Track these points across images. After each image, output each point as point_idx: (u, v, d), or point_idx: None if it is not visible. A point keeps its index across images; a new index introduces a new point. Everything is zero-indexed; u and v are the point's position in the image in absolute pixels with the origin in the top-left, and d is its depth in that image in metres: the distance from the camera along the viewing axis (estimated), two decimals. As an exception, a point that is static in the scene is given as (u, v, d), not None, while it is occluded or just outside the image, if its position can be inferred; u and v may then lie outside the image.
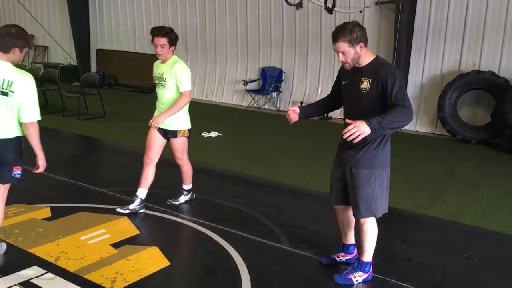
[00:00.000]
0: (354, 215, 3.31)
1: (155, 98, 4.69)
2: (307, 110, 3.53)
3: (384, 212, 3.26)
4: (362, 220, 3.23)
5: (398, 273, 3.53)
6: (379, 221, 3.33)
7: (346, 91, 3.27)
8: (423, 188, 5.78)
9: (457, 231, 4.55)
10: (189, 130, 4.81)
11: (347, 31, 3.00)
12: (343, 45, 3.01)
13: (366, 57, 3.11)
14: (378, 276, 3.45)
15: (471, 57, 8.91)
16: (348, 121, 2.94)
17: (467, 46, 8.93)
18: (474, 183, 6.07)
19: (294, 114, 3.43)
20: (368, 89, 3.06)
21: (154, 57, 4.46)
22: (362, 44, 3.03)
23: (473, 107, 9.05)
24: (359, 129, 2.81)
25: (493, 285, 3.49)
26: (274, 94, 11.36)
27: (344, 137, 2.87)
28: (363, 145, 3.12)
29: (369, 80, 3.06)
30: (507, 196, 5.58)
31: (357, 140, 2.85)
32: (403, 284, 3.37)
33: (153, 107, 4.65)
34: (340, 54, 3.06)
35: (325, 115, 10.50)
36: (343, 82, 3.29)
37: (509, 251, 4.17)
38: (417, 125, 9.65)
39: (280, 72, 11.32)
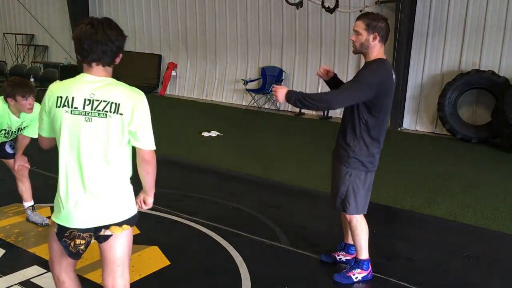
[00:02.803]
0: (331, 206, 3.39)
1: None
2: (335, 80, 3.48)
3: (359, 213, 3.27)
4: (349, 218, 3.29)
5: (398, 272, 3.53)
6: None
7: None
8: (423, 187, 5.78)
9: (457, 230, 4.55)
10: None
11: (372, 16, 3.11)
12: (361, 25, 3.08)
13: (374, 54, 3.12)
14: (378, 275, 3.45)
15: (471, 56, 8.91)
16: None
17: (467, 45, 8.93)
18: (474, 183, 6.07)
19: (324, 73, 3.42)
20: None
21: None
22: (376, 34, 3.06)
23: (473, 107, 9.06)
24: (277, 91, 3.08)
25: (493, 285, 3.49)
26: (274, 94, 11.35)
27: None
28: (345, 143, 3.21)
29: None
30: (507, 196, 5.57)
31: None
32: (403, 283, 3.37)
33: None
34: (354, 34, 3.12)
35: (325, 114, 10.51)
36: None
37: (509, 250, 4.16)
38: (417, 125, 9.66)
39: (280, 71, 11.33)
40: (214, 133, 8.28)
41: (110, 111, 2.10)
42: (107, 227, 2.22)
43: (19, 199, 4.32)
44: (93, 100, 2.11)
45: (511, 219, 4.83)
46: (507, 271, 3.72)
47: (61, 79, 2.42)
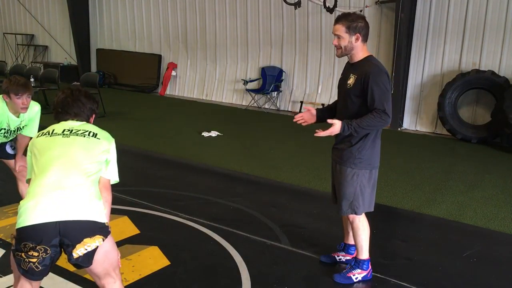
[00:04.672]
0: (337, 211, 3.33)
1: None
2: (324, 112, 3.44)
3: (367, 210, 3.26)
4: (351, 218, 3.26)
5: (398, 272, 3.54)
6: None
7: (339, 85, 3.33)
8: (423, 187, 5.78)
9: (457, 230, 4.55)
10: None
11: (350, 18, 3.07)
12: (341, 29, 3.06)
13: (361, 53, 3.13)
14: (378, 275, 3.45)
15: (471, 56, 8.91)
16: (328, 121, 3.09)
17: (467, 46, 8.93)
18: (474, 182, 6.07)
19: (309, 115, 3.35)
20: (351, 85, 3.10)
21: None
22: (358, 35, 3.05)
23: (473, 107, 9.06)
24: (329, 132, 3.05)
25: (493, 284, 3.48)
26: (274, 94, 11.36)
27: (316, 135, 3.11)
28: (348, 144, 3.16)
29: (354, 77, 3.10)
30: (507, 195, 5.58)
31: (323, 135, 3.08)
32: (402, 283, 3.37)
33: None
34: (335, 38, 3.11)
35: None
36: (340, 77, 3.34)
37: (509, 250, 4.16)
38: (417, 125, 9.66)
39: (280, 71, 11.33)
40: (214, 133, 8.28)
41: (88, 135, 2.39)
42: (77, 240, 2.11)
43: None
44: (71, 129, 2.39)
45: (511, 219, 4.83)
46: (507, 271, 3.72)
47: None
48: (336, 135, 3.28)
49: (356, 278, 3.33)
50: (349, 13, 3.16)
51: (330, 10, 8.81)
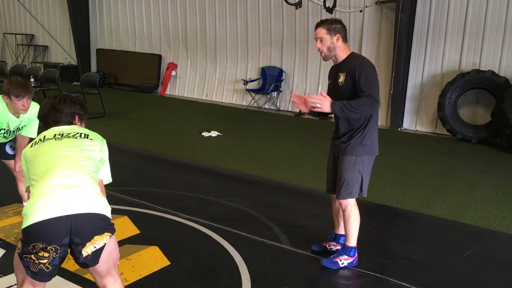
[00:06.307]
0: (336, 197, 3.50)
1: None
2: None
3: (363, 195, 3.47)
4: (344, 206, 3.43)
5: (398, 272, 3.54)
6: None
7: (330, 89, 3.53)
8: (423, 187, 5.78)
9: (457, 230, 4.54)
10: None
11: (328, 21, 3.38)
12: (322, 31, 3.34)
13: (343, 53, 3.39)
14: (378, 275, 3.45)
15: (471, 56, 8.91)
16: (321, 92, 3.32)
17: (467, 46, 8.93)
18: (474, 182, 6.07)
19: (301, 103, 3.47)
20: (343, 82, 3.34)
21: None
22: (339, 36, 3.33)
23: (473, 107, 9.06)
24: (321, 103, 3.19)
25: (493, 285, 3.48)
26: (274, 94, 11.36)
27: (309, 101, 3.27)
28: (350, 136, 3.37)
29: (344, 74, 3.34)
30: (507, 195, 5.58)
31: (314, 109, 3.25)
32: (402, 283, 3.37)
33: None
34: (318, 41, 3.37)
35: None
36: (329, 82, 3.56)
37: (509, 250, 4.16)
38: (417, 125, 9.66)
39: (280, 71, 11.33)
40: (214, 133, 8.28)
41: (80, 136, 2.45)
42: (88, 238, 2.15)
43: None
44: (62, 133, 2.44)
45: (511, 219, 4.83)
46: (507, 271, 3.72)
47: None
48: (336, 130, 3.50)
49: (342, 264, 3.50)
50: (326, 19, 3.47)
51: (330, 10, 8.80)
